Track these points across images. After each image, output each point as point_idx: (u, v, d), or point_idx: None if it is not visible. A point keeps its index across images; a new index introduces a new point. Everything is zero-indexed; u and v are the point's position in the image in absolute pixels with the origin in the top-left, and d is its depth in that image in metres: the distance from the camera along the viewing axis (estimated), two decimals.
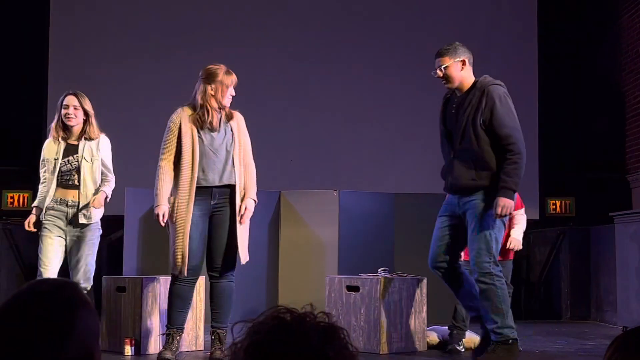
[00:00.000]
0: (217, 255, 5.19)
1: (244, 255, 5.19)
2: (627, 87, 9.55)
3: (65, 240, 5.37)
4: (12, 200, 9.13)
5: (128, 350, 5.42)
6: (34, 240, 8.90)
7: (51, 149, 5.45)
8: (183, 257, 5.08)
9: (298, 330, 1.34)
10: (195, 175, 5.10)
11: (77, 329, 1.53)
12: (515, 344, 4.99)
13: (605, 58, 9.84)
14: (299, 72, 9.04)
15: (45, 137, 8.65)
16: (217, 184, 5.15)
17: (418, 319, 5.85)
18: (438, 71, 5.12)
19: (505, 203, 4.87)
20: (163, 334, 5.32)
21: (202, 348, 5.78)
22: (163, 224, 5.13)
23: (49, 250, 5.32)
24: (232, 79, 5.19)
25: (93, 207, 5.29)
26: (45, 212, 5.36)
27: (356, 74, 9.18)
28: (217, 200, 5.17)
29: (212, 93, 5.14)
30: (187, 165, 5.10)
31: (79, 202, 5.34)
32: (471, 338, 5.88)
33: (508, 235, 5.79)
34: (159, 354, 5.18)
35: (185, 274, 5.10)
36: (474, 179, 5.02)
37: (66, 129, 5.45)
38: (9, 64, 9.58)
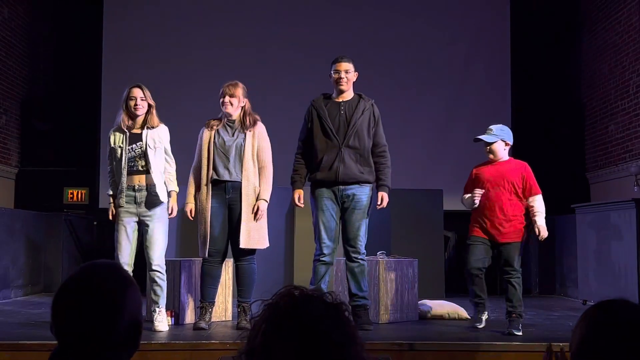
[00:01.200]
0: (237, 242, 5.19)
1: (243, 240, 5.10)
2: (586, 100, 9.56)
3: (138, 223, 5.12)
4: (71, 195, 9.17)
5: (169, 320, 5.40)
6: (91, 230, 9.06)
7: (116, 139, 5.15)
8: (205, 240, 5.16)
9: (306, 313, 1.32)
10: (210, 172, 5.17)
11: (127, 304, 1.56)
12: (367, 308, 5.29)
13: (569, 74, 9.84)
14: (308, 81, 9.02)
15: (99, 141, 8.81)
16: (226, 178, 5.17)
17: (410, 294, 5.86)
18: (343, 73, 5.18)
19: (387, 198, 5.22)
20: (198, 307, 5.35)
21: (230, 319, 5.79)
22: (192, 218, 5.24)
23: (122, 238, 5.06)
24: (222, 89, 5.24)
25: (171, 215, 5.15)
26: (118, 199, 5.11)
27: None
28: (231, 195, 5.17)
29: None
30: (203, 164, 5.21)
31: (146, 185, 5.08)
32: (457, 310, 5.89)
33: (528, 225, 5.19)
34: (195, 323, 5.21)
35: (207, 255, 5.15)
36: (362, 172, 5.19)
37: (131, 118, 5.16)
38: (66, 75, 9.63)
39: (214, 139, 5.22)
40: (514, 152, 9.21)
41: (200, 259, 5.34)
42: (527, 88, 9.62)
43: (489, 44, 9.40)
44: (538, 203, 5.15)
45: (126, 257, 5.05)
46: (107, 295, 1.54)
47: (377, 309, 5.65)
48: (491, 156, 5.21)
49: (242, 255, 5.22)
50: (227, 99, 5.19)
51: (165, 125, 5.28)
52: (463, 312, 5.87)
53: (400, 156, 8.79)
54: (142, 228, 5.14)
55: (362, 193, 5.21)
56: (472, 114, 9.14)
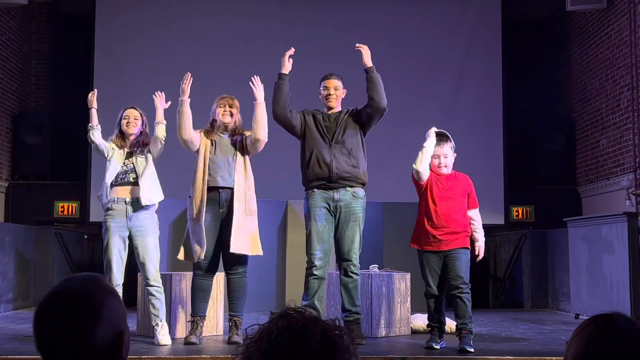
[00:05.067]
0: (229, 255, 5.15)
1: (234, 245, 5.03)
2: (576, 114, 9.59)
3: (129, 237, 5.13)
4: (62, 209, 9.13)
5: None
6: (81, 244, 9.00)
7: (114, 147, 5.24)
8: (200, 244, 5.08)
9: (303, 338, 1.31)
10: (206, 178, 5.14)
11: (105, 314, 1.54)
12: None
13: (560, 89, 9.87)
14: (300, 94, 9.02)
15: (90, 155, 8.77)
16: (221, 185, 5.14)
17: (403, 308, 5.83)
18: (332, 90, 5.28)
19: None
20: (189, 321, 5.31)
21: (221, 333, 5.74)
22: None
23: (113, 260, 5.08)
24: (221, 100, 5.30)
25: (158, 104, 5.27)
26: (106, 212, 5.15)
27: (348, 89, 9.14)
28: (224, 209, 5.15)
29: (212, 115, 5.32)
30: (199, 169, 5.17)
31: (137, 198, 5.09)
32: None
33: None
34: (186, 338, 5.17)
35: (203, 258, 5.08)
36: (355, 166, 5.17)
37: (123, 139, 5.26)
38: (57, 89, 9.66)
39: (209, 147, 5.22)
40: (507, 165, 9.30)
41: (191, 272, 5.29)
42: (519, 102, 9.64)
43: (480, 60, 9.44)
44: (478, 217, 5.05)
45: (117, 278, 5.07)
46: (84, 305, 1.53)
47: (370, 323, 5.63)
48: (444, 170, 5.09)
49: (234, 268, 5.18)
50: (227, 108, 5.26)
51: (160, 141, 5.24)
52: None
53: (394, 169, 8.83)
54: (133, 243, 5.14)
55: (357, 204, 5.17)
56: (463, 132, 9.15)
